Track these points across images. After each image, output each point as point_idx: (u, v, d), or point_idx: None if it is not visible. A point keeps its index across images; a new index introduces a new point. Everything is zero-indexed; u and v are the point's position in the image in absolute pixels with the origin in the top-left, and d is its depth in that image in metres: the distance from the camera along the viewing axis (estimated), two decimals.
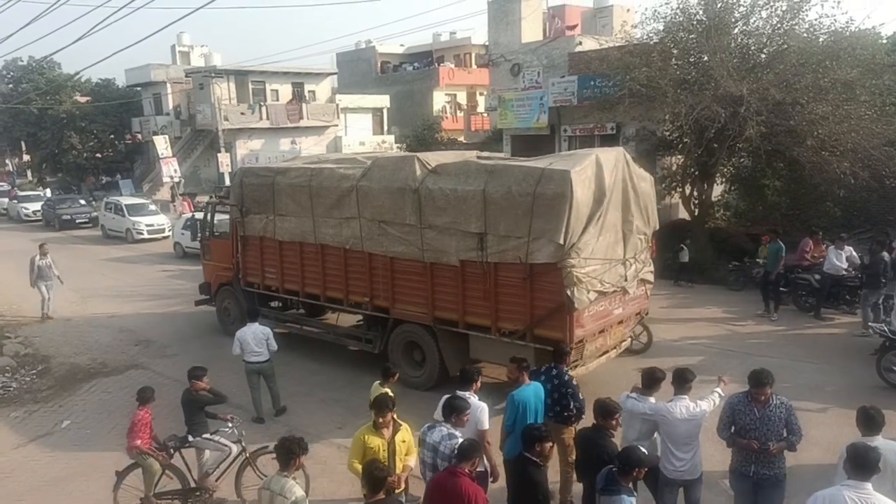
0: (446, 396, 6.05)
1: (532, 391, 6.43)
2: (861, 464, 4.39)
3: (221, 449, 7.36)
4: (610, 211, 9.04)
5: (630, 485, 4.81)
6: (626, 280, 9.55)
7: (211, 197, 15.68)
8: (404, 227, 9.99)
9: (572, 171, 8.46)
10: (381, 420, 5.77)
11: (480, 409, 6.13)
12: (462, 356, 9.75)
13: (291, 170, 11.95)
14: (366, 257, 10.62)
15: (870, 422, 5.08)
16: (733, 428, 5.76)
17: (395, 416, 5.91)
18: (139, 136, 41.92)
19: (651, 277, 10.47)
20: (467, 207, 9.24)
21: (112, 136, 43.45)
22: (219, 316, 13.91)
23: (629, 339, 10.82)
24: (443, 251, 9.62)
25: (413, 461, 6.01)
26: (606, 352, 9.82)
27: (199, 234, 14.67)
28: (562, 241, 8.40)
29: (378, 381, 7.10)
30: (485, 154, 12.79)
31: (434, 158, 10.34)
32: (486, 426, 6.16)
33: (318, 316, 13.26)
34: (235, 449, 7.35)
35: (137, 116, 42.50)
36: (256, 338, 9.30)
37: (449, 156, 11.26)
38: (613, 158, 9.36)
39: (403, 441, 5.89)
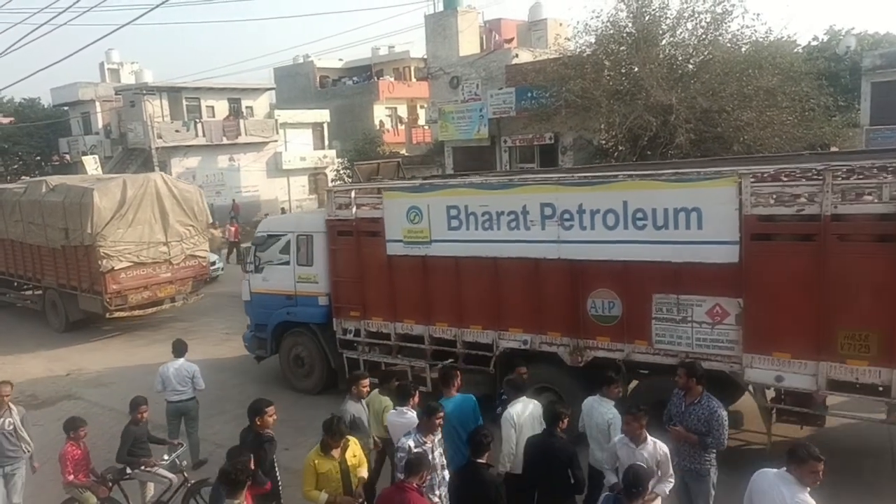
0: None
1: (455, 403, 6.41)
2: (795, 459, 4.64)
3: (161, 480, 7.10)
4: (139, 211, 14.64)
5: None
6: (168, 255, 15.19)
7: None
8: (38, 226, 15.85)
9: (95, 189, 14.28)
10: (331, 443, 5.61)
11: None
12: (76, 309, 15.64)
13: None
14: (29, 247, 16.57)
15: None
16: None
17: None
18: (67, 156, 40.14)
19: (203, 253, 16.20)
20: (57, 211, 15.15)
21: (38, 157, 41.60)
22: None
23: (200, 295, 16.51)
24: (54, 240, 15.36)
25: (365, 472, 5.92)
26: (173, 301, 15.81)
27: None
28: (90, 231, 14.10)
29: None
30: (119, 176, 18.77)
31: (59, 181, 16.56)
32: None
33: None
34: (176, 479, 7.10)
35: (65, 136, 40.75)
36: (179, 375, 8.69)
37: (75, 179, 18.53)
38: (142, 179, 15.32)
39: (354, 456, 5.78)
